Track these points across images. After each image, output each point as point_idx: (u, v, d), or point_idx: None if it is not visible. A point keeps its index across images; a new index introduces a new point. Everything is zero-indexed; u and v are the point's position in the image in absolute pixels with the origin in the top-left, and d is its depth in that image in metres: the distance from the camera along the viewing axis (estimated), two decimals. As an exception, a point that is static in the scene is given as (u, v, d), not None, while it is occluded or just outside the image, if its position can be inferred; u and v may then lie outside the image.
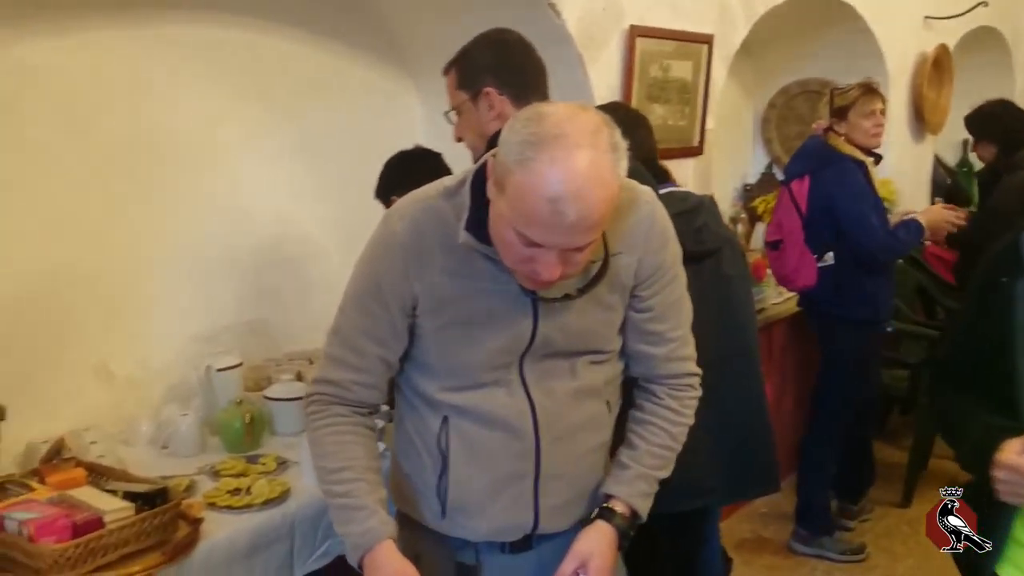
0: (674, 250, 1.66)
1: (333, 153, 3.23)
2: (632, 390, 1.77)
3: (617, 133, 1.41)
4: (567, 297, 1.53)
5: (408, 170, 2.53)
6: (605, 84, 3.18)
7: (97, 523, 1.85)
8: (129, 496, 1.96)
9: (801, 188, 3.63)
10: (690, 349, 1.74)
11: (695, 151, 3.67)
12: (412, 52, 3.39)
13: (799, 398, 4.22)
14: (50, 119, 2.51)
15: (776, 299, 4.18)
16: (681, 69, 3.47)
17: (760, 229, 4.61)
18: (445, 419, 1.62)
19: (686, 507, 2.48)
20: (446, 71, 2.22)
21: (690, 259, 2.35)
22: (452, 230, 1.51)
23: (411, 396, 1.67)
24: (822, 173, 3.59)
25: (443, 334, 1.57)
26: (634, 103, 3.25)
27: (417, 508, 1.70)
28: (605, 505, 1.66)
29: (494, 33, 2.18)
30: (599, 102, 3.06)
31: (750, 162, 5.26)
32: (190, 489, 2.26)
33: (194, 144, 2.85)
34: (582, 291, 1.54)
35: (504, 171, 1.38)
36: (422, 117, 3.50)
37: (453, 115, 2.21)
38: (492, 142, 2.12)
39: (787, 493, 4.14)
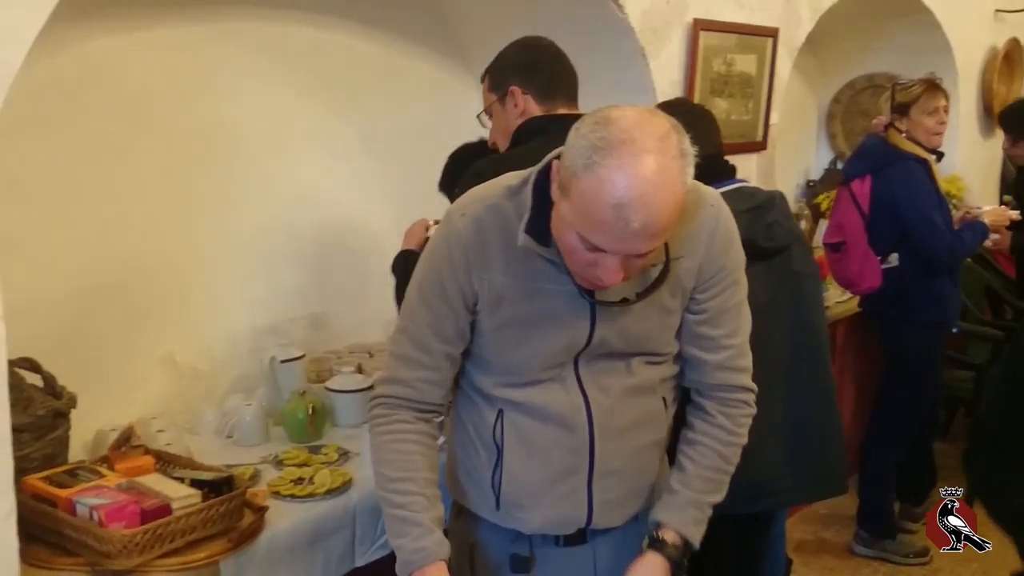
0: (737, 255, 1.63)
1: (395, 149, 3.25)
2: (684, 407, 1.74)
3: (686, 139, 1.38)
4: (625, 301, 1.52)
5: (473, 162, 2.53)
6: (667, 79, 3.16)
7: (165, 510, 1.89)
8: (196, 484, 2.00)
9: (863, 188, 3.55)
10: (746, 361, 1.69)
11: (758, 146, 3.63)
12: (474, 49, 3.39)
13: (860, 399, 4.15)
14: (119, 113, 2.56)
15: (840, 298, 4.11)
16: (745, 63, 3.43)
17: (823, 226, 4.53)
18: (500, 412, 1.62)
19: (755, 508, 2.46)
20: (483, 78, 2.26)
21: (761, 256, 2.35)
22: (513, 230, 1.51)
23: (467, 389, 1.68)
24: (884, 172, 3.51)
25: (501, 332, 1.57)
26: (697, 98, 3.22)
27: (472, 499, 1.71)
28: (656, 535, 1.64)
29: (526, 39, 2.22)
30: (661, 97, 3.04)
31: (813, 158, 5.18)
32: (254, 478, 2.30)
33: (259, 138, 2.89)
34: (641, 295, 1.52)
35: (569, 175, 1.37)
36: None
37: (486, 118, 2.23)
38: (516, 139, 2.13)
39: (848, 495, 4.06)
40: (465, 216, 1.56)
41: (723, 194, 2.37)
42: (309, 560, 2.12)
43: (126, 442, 2.14)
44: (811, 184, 5.01)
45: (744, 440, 1.71)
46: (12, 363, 1.91)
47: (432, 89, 3.38)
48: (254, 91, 2.87)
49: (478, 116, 2.27)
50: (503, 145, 2.22)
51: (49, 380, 2.23)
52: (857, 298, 3.93)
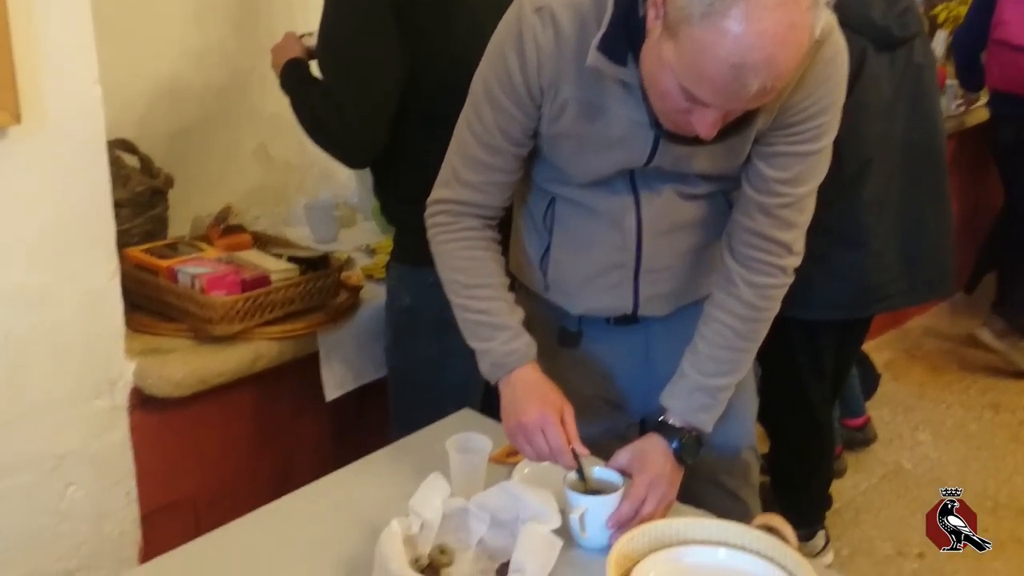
0: (831, 96, 1.42)
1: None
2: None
3: None
4: (697, 141, 1.34)
5: None
6: None
7: (264, 280, 1.92)
8: (293, 260, 2.02)
9: None
10: (800, 218, 1.47)
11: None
12: None
13: (965, 216, 3.99)
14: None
15: (951, 112, 3.89)
16: None
17: (940, 38, 4.27)
18: (551, 201, 1.57)
19: (869, 312, 2.42)
20: None
21: (892, 45, 2.20)
22: (590, 39, 1.36)
23: (524, 174, 1.59)
24: None
25: (555, 141, 1.48)
26: None
27: (527, 276, 1.69)
28: (662, 419, 1.53)
29: None
30: None
31: (932, -39, 4.81)
32: (348, 263, 2.31)
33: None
34: (716, 138, 1.33)
35: (680, 16, 1.18)
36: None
37: None
38: None
39: (941, 314, 4.03)
40: (541, 12, 1.40)
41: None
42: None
43: (224, 220, 2.16)
44: (928, -8, 4.68)
45: (772, 314, 1.52)
46: (110, 144, 1.91)
47: None
48: None
49: None
50: None
51: (146, 161, 2.24)
52: (974, 112, 3.72)
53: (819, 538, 2.60)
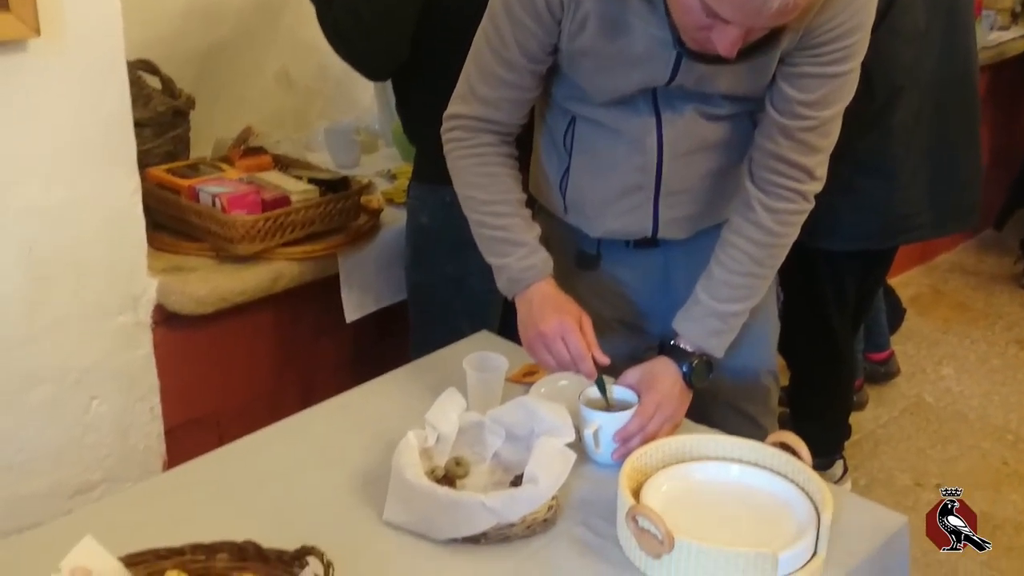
0: (858, 16, 1.38)
1: None
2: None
3: None
4: (720, 60, 1.30)
5: None
6: None
7: (285, 200, 1.92)
8: (313, 182, 2.02)
9: None
10: (823, 142, 1.44)
11: None
12: None
13: (994, 151, 3.93)
14: None
15: (986, 42, 3.79)
16: None
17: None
18: (572, 120, 1.55)
19: (893, 243, 2.40)
20: None
21: None
22: None
23: (544, 92, 1.58)
24: None
25: (575, 58, 1.45)
26: None
27: (546, 198, 1.68)
28: (673, 343, 1.51)
29: None
30: None
31: None
32: (368, 187, 2.30)
33: None
34: (739, 57, 1.29)
35: None
36: None
37: None
38: None
39: (969, 250, 3.99)
40: None
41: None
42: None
43: (244, 141, 2.15)
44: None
45: (789, 240, 1.50)
46: (131, 64, 1.90)
47: None
48: None
49: None
50: None
51: (167, 82, 2.23)
52: (1012, 43, 3.63)
53: (837, 467, 2.62)
